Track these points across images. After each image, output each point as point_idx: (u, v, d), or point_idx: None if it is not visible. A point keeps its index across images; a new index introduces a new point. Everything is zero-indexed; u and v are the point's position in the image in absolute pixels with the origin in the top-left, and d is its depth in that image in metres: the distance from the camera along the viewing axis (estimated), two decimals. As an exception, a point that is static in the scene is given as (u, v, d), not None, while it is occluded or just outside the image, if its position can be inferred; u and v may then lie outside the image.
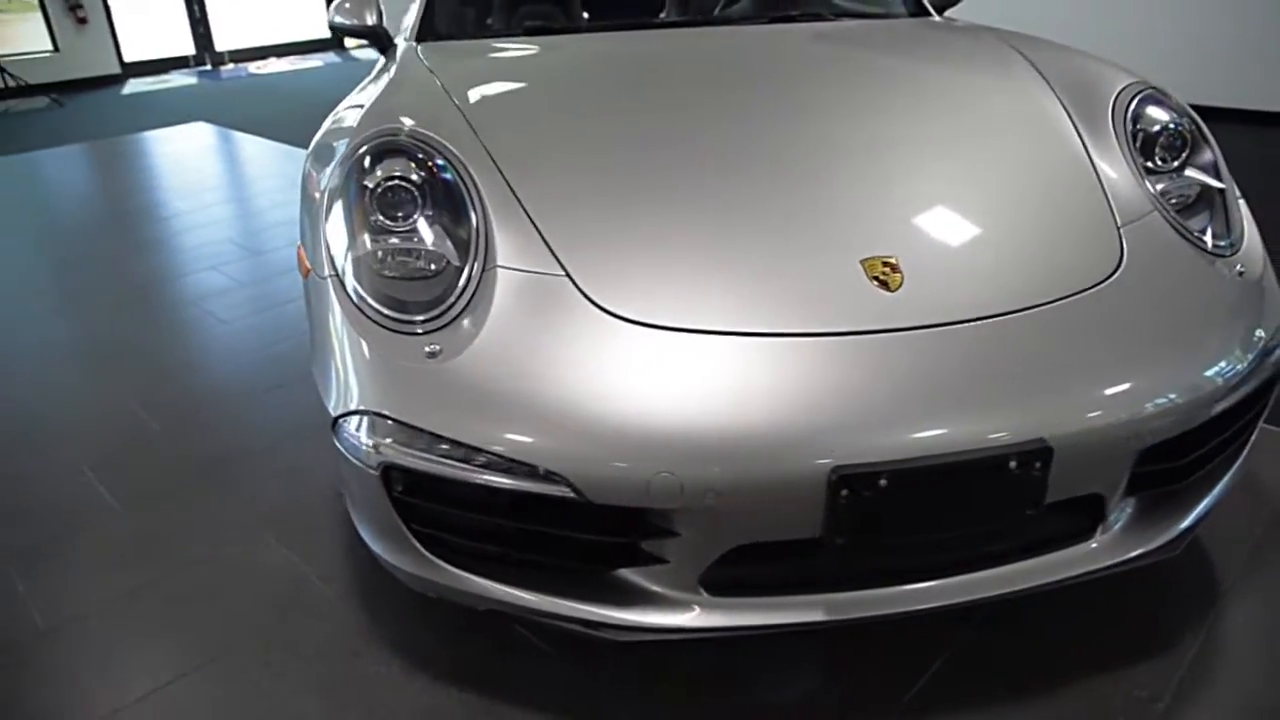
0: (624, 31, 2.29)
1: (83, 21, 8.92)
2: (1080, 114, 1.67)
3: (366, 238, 1.41)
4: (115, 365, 2.73)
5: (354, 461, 1.30)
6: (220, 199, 4.65)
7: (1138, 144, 1.63)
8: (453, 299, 1.33)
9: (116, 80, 9.20)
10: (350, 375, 1.32)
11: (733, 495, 1.14)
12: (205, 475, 2.08)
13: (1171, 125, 1.65)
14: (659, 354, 1.22)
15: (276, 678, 1.48)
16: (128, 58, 9.43)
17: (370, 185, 1.45)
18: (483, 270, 1.35)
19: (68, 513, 1.96)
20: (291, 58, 10.49)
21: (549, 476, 1.16)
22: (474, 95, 1.74)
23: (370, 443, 1.26)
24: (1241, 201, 1.64)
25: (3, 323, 3.14)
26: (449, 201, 1.44)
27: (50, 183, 5.41)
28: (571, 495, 1.16)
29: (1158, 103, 1.69)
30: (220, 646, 1.56)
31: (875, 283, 1.29)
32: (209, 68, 10.12)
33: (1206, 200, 1.60)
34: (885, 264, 1.31)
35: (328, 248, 1.45)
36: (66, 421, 2.38)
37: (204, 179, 5.15)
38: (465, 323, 1.30)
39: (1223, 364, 1.31)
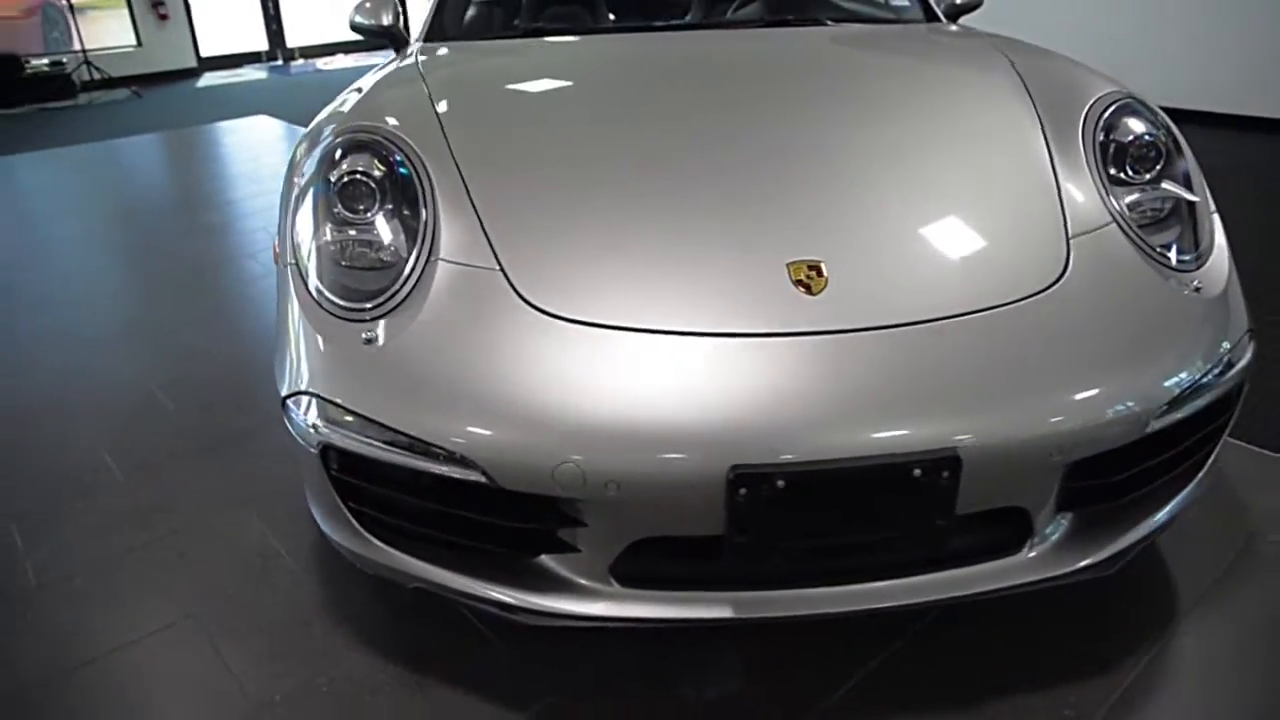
0: (624, 34, 2.33)
1: (164, 18, 9.38)
2: (1052, 123, 1.64)
3: (328, 228, 1.48)
4: (144, 345, 2.89)
5: (298, 440, 1.37)
6: (269, 189, 4.85)
7: (1110, 154, 1.59)
8: (395, 289, 1.39)
9: (192, 74, 9.65)
10: (299, 359, 1.39)
11: (633, 488, 1.17)
12: (207, 453, 2.19)
13: (1146, 136, 1.61)
14: (575, 348, 1.25)
15: (231, 642, 1.57)
16: (204, 52, 9.88)
17: (333, 179, 1.52)
18: (426, 262, 1.41)
19: (74, 480, 2.10)
20: (357, 54, 10.82)
21: (463, 461, 1.21)
22: (453, 95, 1.80)
23: (310, 423, 1.33)
24: (1216, 216, 1.59)
25: (50, 300, 3.34)
26: (405, 197, 1.50)
27: (123, 169, 5.73)
28: (484, 480, 1.21)
29: (1134, 113, 1.65)
30: (186, 611, 1.65)
31: (798, 286, 1.30)
32: (279, 63, 10.52)
33: (1177, 214, 1.56)
34: (811, 267, 1.32)
35: (293, 237, 1.52)
36: (89, 396, 2.54)
37: (259, 169, 5.38)
38: (404, 312, 1.36)
39: (1159, 382, 1.28)
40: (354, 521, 1.38)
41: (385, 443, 1.26)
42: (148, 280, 3.59)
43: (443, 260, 1.40)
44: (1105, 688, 1.41)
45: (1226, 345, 1.38)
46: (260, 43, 10.56)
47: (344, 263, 1.46)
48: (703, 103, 1.78)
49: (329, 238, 1.47)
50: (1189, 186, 1.59)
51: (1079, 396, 1.23)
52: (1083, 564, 1.33)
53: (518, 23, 2.48)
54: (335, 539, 1.43)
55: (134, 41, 9.33)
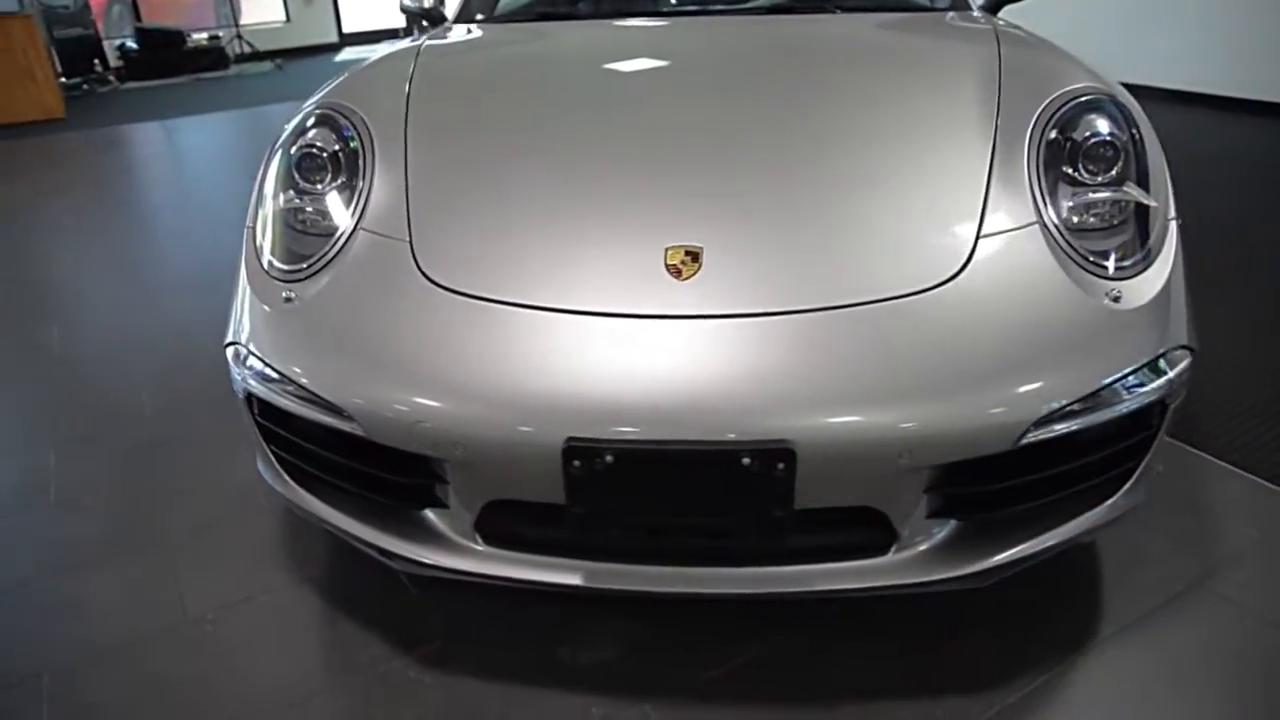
0: (637, 20, 2.36)
1: (312, -3, 10.07)
2: (1008, 118, 1.57)
3: (283, 196, 1.62)
4: (205, 302, 3.18)
5: (232, 386, 1.52)
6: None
7: (1066, 152, 1.51)
8: (321, 254, 1.50)
9: (333, 48, 10.30)
10: (239, 312, 1.53)
11: (478, 450, 1.24)
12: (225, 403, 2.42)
13: (1105, 136, 1.51)
14: (449, 317, 1.33)
15: (193, 565, 1.76)
16: (346, 29, 10.52)
17: (294, 151, 1.66)
18: (352, 232, 1.52)
19: (109, 415, 2.37)
20: (488, 32, 11.19)
21: (343, 414, 1.31)
22: (432, 76, 1.89)
23: (238, 371, 1.47)
24: (1174, 223, 1.48)
25: (143, 257, 3.73)
26: (353, 170, 1.61)
27: (254, 135, 6.22)
28: (360, 433, 1.31)
29: (1097, 111, 1.55)
30: (161, 531, 1.85)
31: (670, 270, 1.32)
32: (416, 39, 11.04)
33: (1127, 218, 1.46)
34: (688, 253, 1.34)
35: (257, 202, 1.67)
36: (145, 344, 2.82)
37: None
38: (321, 276, 1.47)
39: (1037, 393, 1.22)
40: (274, 464, 1.52)
41: (289, 393, 1.38)
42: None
43: (363, 229, 1.51)
44: (983, 703, 1.37)
45: (1139, 360, 1.29)
46: (399, 19, 11.11)
47: (296, 228, 1.59)
48: (659, 91, 1.81)
49: (282, 204, 1.61)
50: (1148, 190, 1.49)
51: (934, 400, 1.19)
52: (950, 575, 1.29)
53: (540, 7, 2.56)
54: (262, 476, 1.57)
55: (283, 18, 10.06)
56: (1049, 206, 1.44)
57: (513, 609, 1.58)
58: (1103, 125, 1.53)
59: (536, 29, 2.35)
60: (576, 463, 1.20)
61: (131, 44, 8.98)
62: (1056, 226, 1.41)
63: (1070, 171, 1.50)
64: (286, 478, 1.51)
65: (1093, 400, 1.26)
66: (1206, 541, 1.71)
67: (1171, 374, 1.33)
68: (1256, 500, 1.83)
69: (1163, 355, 1.33)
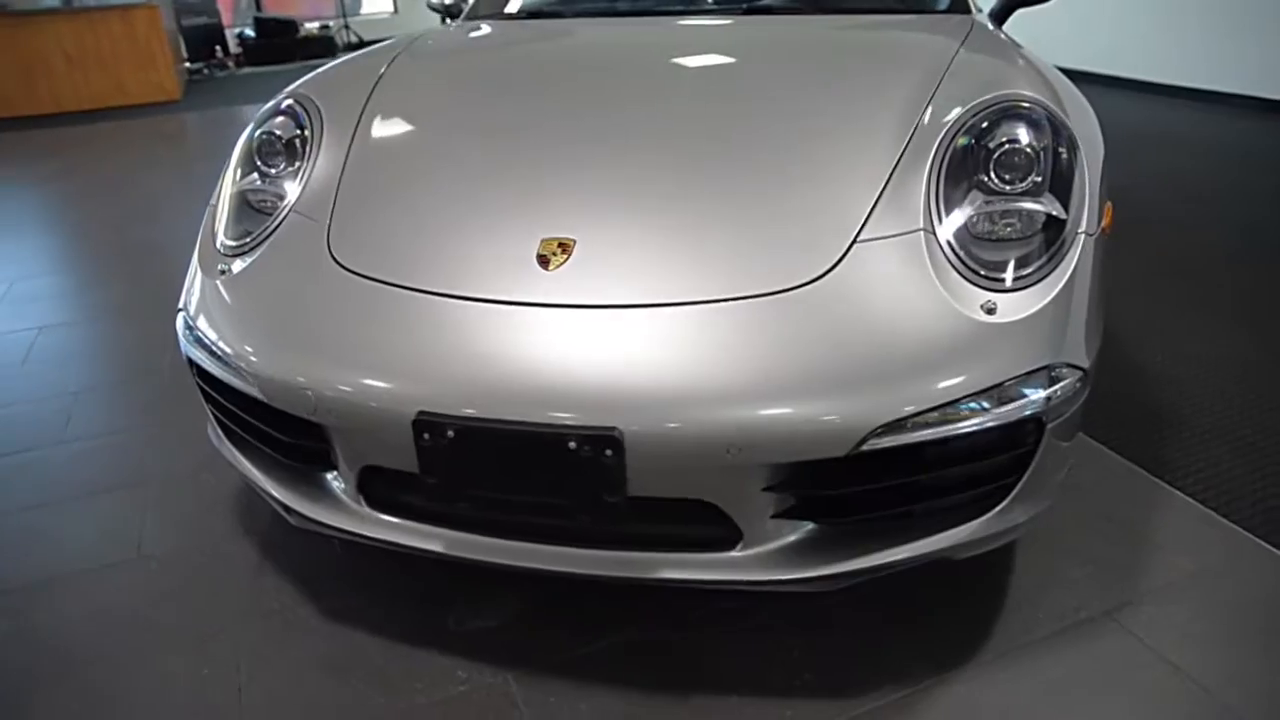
0: (636, 19, 2.41)
1: (420, -11, 10.49)
2: (929, 123, 1.55)
3: (240, 176, 1.76)
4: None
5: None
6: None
7: (981, 159, 1.48)
8: (258, 232, 1.63)
9: (436, 40, 10.73)
10: (189, 282, 1.68)
11: (344, 417, 1.33)
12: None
13: (1022, 145, 1.47)
14: (342, 294, 1.43)
15: (161, 509, 1.93)
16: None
17: (257, 135, 1.80)
18: (286, 213, 1.64)
19: (129, 366, 2.60)
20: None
21: (245, 378, 1.43)
22: (403, 71, 1.99)
23: (182, 336, 1.62)
24: (1088, 238, 1.43)
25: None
26: (300, 156, 1.74)
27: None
28: (261, 397, 1.43)
29: (1020, 119, 1.51)
30: (150, 475, 2.05)
31: (539, 260, 1.37)
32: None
33: (1036, 230, 1.42)
34: (560, 245, 1.39)
35: (221, 180, 1.82)
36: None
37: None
38: (255, 253, 1.60)
39: (878, 400, 1.21)
40: (213, 422, 1.66)
41: (213, 358, 1.51)
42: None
43: (294, 211, 1.63)
44: (830, 711, 1.37)
45: (1005, 375, 1.26)
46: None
47: (255, 208, 1.72)
48: (592, 92, 1.86)
49: (240, 186, 1.75)
50: (1067, 203, 1.44)
51: (765, 399, 1.20)
52: (797, 576, 1.30)
53: (546, 6, 2.63)
54: (209, 433, 1.72)
55: (391, 9, 10.55)
56: (942, 213, 1.41)
57: (420, 574, 1.67)
58: (1020, 133, 1.49)
59: (530, 27, 2.43)
60: (425, 436, 1.27)
61: (250, 32, 9.63)
62: (946, 233, 1.39)
63: (984, 178, 1.47)
64: (221, 435, 1.65)
65: (948, 412, 1.24)
66: (1133, 572, 1.63)
67: (1048, 392, 1.29)
68: (1202, 534, 1.73)
69: (1039, 372, 1.29)
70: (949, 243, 1.38)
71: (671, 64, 1.97)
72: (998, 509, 1.35)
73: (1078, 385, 1.34)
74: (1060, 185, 1.46)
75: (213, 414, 1.65)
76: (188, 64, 8.99)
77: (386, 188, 1.62)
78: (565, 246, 1.39)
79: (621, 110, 1.73)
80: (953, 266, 1.36)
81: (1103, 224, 1.52)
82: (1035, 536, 1.73)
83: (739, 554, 1.32)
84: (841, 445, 1.21)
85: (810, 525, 1.34)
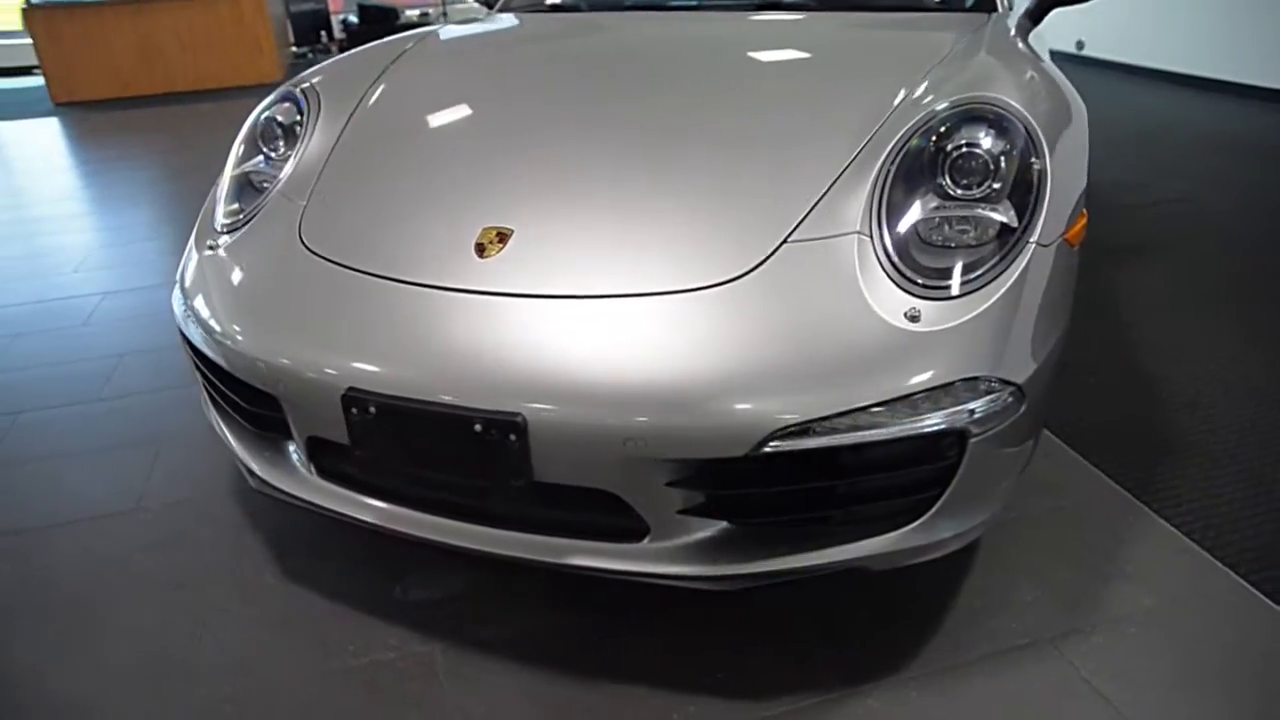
0: (651, 11, 2.42)
1: (515, -23, 10.70)
2: (892, 124, 1.52)
3: (242, 158, 1.87)
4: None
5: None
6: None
7: (935, 162, 1.44)
8: (248, 211, 1.73)
9: (529, 29, 10.93)
10: (185, 255, 1.80)
11: (289, 389, 1.41)
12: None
13: (979, 150, 1.42)
14: (303, 273, 1.51)
15: (168, 465, 2.08)
16: (544, 10, 11.11)
17: (261, 119, 1.90)
18: (274, 195, 1.73)
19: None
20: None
21: (215, 348, 1.53)
22: (411, 62, 2.07)
23: (176, 306, 1.74)
24: (1040, 249, 1.37)
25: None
26: (295, 141, 1.83)
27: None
28: (225, 366, 1.53)
29: (983, 123, 1.45)
30: (159, 434, 2.20)
31: (475, 248, 1.41)
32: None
33: (987, 238, 1.37)
34: (499, 234, 1.43)
35: (228, 163, 1.94)
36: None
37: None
38: (240, 231, 1.70)
39: (781, 403, 1.20)
40: (201, 387, 1.78)
41: (195, 327, 1.62)
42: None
43: (279, 193, 1.72)
44: (730, 714, 1.37)
45: (923, 385, 1.23)
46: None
47: (256, 188, 1.83)
48: (573, 87, 1.89)
49: (243, 168, 1.86)
50: (1028, 212, 1.39)
51: (665, 394, 1.21)
52: (702, 572, 1.30)
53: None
54: (201, 398, 1.84)
55: (488, -2, 10.80)
56: (884, 216, 1.38)
57: (380, 546, 1.75)
58: (981, 137, 1.44)
59: (548, 20, 2.48)
60: (353, 410, 1.34)
61: (353, 18, 10.04)
62: (885, 237, 1.36)
63: (941, 182, 1.43)
64: (207, 401, 1.77)
65: (859, 419, 1.22)
66: (1090, 600, 1.56)
67: (970, 406, 1.25)
68: (1177, 567, 1.64)
69: (962, 384, 1.25)
70: (886, 247, 1.35)
71: (663, 62, 1.98)
72: (918, 523, 1.32)
73: (1008, 401, 1.29)
74: (1020, 193, 1.41)
75: (201, 381, 1.76)
76: (294, 48, 9.45)
77: (360, 175, 1.70)
78: (504, 236, 1.43)
79: (594, 106, 1.76)
80: (884, 271, 1.33)
81: (1066, 235, 1.45)
82: (998, 555, 1.68)
83: (647, 546, 1.34)
84: (740, 445, 1.21)
85: (723, 523, 1.35)
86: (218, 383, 1.64)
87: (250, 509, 1.90)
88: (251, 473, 1.60)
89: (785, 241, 1.36)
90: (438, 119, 1.83)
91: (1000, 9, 2.21)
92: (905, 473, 1.30)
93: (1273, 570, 1.61)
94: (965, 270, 1.34)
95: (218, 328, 1.52)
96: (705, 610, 1.56)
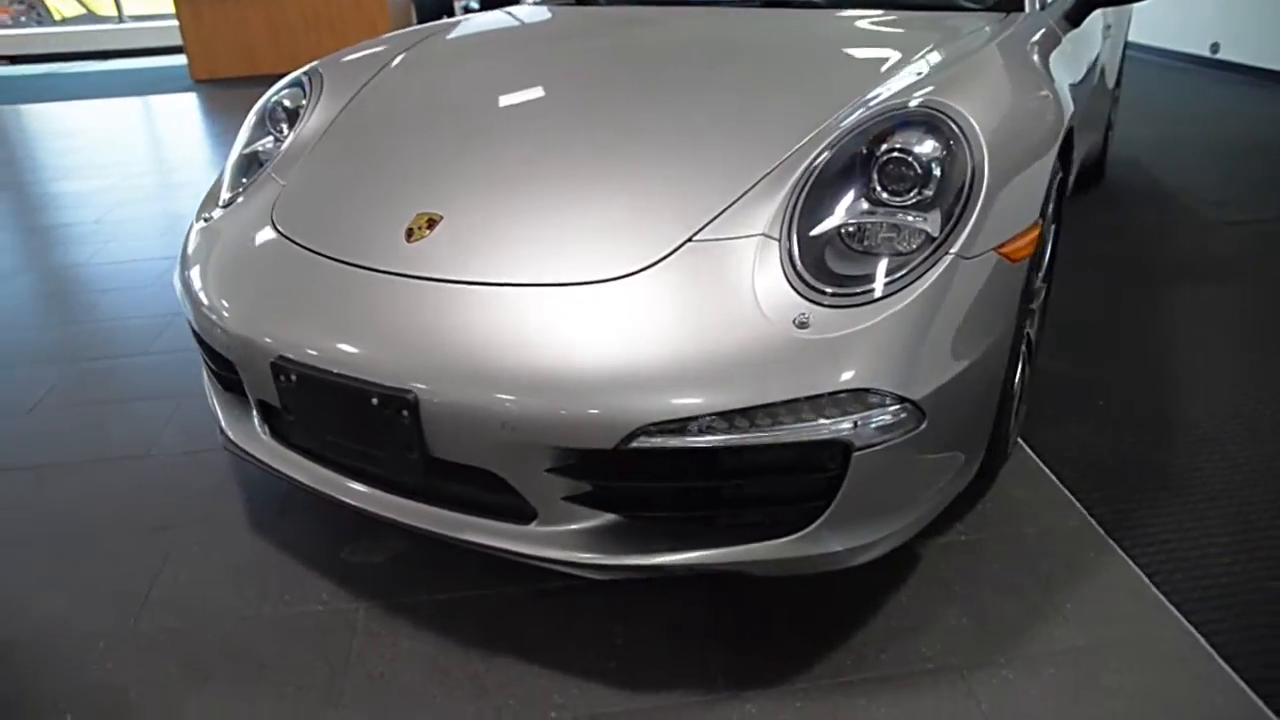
0: (664, 7, 2.44)
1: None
2: (833, 125, 1.48)
3: (249, 137, 2.01)
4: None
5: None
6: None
7: (870, 167, 1.40)
8: (246, 188, 1.86)
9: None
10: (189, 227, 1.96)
11: (236, 355, 1.52)
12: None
13: (915, 157, 1.37)
14: (264, 250, 1.62)
15: (187, 416, 2.27)
16: None
17: (269, 102, 2.04)
18: (266, 173, 1.86)
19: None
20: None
21: (193, 312, 1.67)
22: (421, 50, 2.17)
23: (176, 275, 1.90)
24: (960, 262, 1.31)
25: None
26: (295, 123, 1.96)
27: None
28: (198, 330, 1.66)
29: (920, 129, 1.40)
30: (187, 388, 2.40)
31: (405, 233, 1.48)
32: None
33: (910, 246, 1.33)
34: (429, 220, 1.49)
35: (238, 140, 2.08)
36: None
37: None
38: (233, 206, 1.83)
39: (650, 399, 1.21)
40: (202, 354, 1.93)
41: (181, 290, 1.77)
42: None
43: (270, 174, 1.84)
44: (600, 703, 1.39)
45: (801, 392, 1.21)
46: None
47: (256, 166, 1.97)
48: (558, 82, 1.94)
49: (252, 147, 2.00)
50: (952, 221, 1.34)
51: (541, 382, 1.24)
52: (579, 560, 1.33)
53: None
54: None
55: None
56: (796, 219, 1.36)
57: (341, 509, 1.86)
58: (914, 143, 1.39)
59: (566, 13, 2.52)
60: (280, 378, 1.43)
61: (474, 4, 10.40)
62: (794, 241, 1.33)
63: (871, 187, 1.39)
64: (204, 366, 1.92)
65: (738, 421, 1.21)
66: (1018, 634, 1.49)
67: (852, 418, 1.22)
68: (1124, 609, 1.53)
69: (847, 395, 1.22)
70: (792, 250, 1.33)
71: (639, 60, 2.03)
72: (802, 532, 1.30)
73: (901, 416, 1.25)
74: (951, 202, 1.35)
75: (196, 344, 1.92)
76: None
77: (332, 159, 1.80)
78: (433, 222, 1.49)
79: (551, 102, 1.80)
80: (785, 275, 1.31)
81: (1002, 248, 1.38)
82: (937, 576, 1.62)
83: (534, 530, 1.37)
84: (608, 439, 1.23)
85: (609, 515, 1.36)
86: (200, 346, 1.79)
87: (242, 465, 2.05)
88: (222, 430, 1.74)
89: (690, 240, 1.36)
90: (410, 110, 1.91)
91: (1029, 8, 2.10)
92: (785, 480, 1.28)
93: (1233, 626, 1.49)
94: (872, 279, 1.30)
95: (194, 294, 1.65)
96: (623, 600, 1.58)
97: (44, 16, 12.00)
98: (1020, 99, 1.60)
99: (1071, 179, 2.02)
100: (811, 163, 1.42)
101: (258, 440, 1.66)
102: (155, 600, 1.64)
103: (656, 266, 1.34)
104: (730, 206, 1.40)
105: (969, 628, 1.51)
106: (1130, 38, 7.30)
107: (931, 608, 1.55)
